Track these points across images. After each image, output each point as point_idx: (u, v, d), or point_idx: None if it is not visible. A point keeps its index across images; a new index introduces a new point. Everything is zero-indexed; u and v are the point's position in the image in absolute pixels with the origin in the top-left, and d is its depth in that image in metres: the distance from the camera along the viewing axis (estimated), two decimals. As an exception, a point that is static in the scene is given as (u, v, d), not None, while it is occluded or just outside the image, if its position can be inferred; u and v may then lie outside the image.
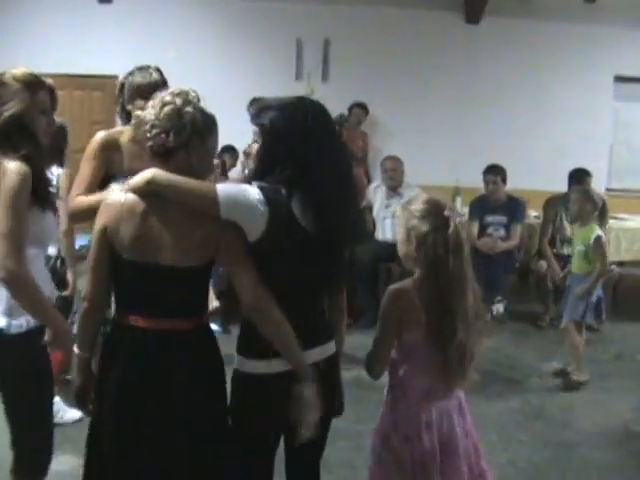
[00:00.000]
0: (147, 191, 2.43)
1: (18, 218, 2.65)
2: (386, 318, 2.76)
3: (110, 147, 3.63)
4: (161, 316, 2.48)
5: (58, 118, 4.75)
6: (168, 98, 2.52)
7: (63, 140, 4.94)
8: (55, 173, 4.70)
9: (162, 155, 2.50)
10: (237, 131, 5.79)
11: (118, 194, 2.50)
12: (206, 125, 2.55)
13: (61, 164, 4.86)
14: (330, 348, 2.67)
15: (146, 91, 3.53)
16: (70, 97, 9.02)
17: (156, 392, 2.46)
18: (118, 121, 4.01)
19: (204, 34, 9.66)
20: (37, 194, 2.74)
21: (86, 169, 3.57)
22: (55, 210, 2.92)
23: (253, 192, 2.43)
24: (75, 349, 2.65)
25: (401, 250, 2.79)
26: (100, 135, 3.68)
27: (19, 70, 2.88)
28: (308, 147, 2.49)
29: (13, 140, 2.73)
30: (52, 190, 3.03)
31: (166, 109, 2.49)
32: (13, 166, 2.67)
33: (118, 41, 9.48)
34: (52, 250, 4.45)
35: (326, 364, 2.65)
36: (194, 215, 2.42)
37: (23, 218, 2.66)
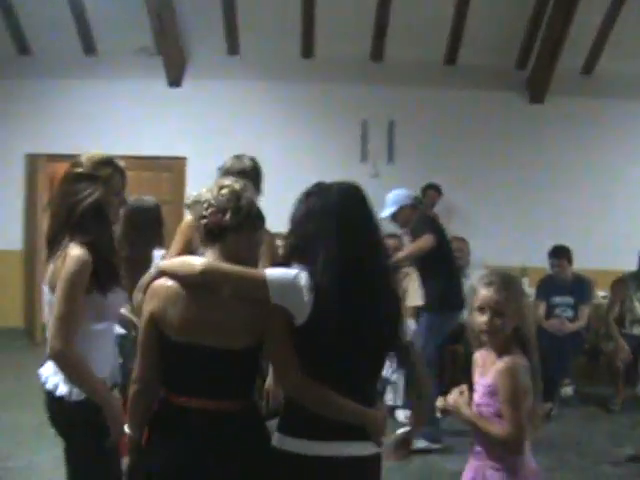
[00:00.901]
0: (200, 282, 2.56)
1: (71, 303, 2.88)
2: (520, 393, 2.92)
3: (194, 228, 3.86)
4: (208, 397, 2.59)
5: (151, 198, 5.05)
6: (227, 182, 2.72)
7: (159, 221, 5.12)
8: (157, 255, 4.88)
9: (214, 235, 2.66)
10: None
11: (164, 279, 2.65)
12: (259, 216, 2.76)
13: (161, 245, 5.02)
14: (373, 448, 2.66)
15: (235, 173, 3.85)
16: (139, 178, 9.43)
17: (204, 472, 2.57)
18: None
19: (270, 116, 10.08)
20: (99, 279, 2.97)
21: (175, 247, 3.85)
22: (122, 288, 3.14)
23: (301, 276, 2.55)
24: (126, 429, 2.77)
25: (489, 325, 3.00)
26: (189, 217, 3.95)
27: (93, 154, 3.15)
28: (338, 231, 2.61)
29: (85, 226, 2.99)
30: (118, 273, 3.20)
31: (224, 190, 2.68)
32: (74, 253, 2.91)
33: (186, 124, 10.04)
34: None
35: (365, 463, 2.65)
36: (240, 298, 2.56)
37: (76, 304, 2.89)
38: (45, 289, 3.08)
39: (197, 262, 2.59)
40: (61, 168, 11.33)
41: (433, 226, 6.26)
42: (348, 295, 2.54)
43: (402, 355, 2.82)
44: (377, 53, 9.96)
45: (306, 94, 10.07)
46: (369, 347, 2.63)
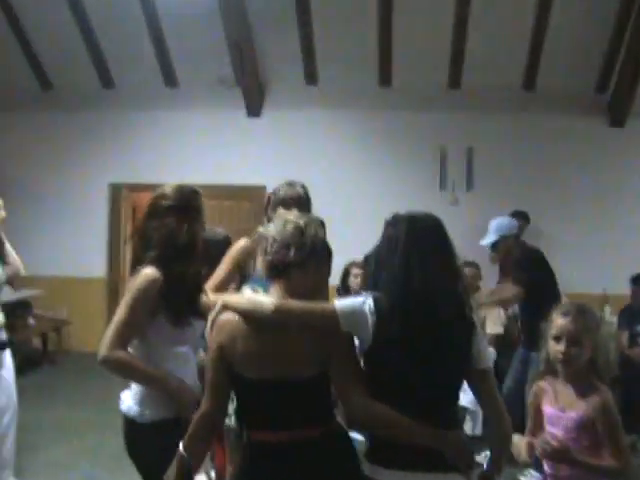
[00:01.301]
0: (273, 320, 2.60)
1: (128, 313, 3.02)
2: (620, 424, 3.03)
3: (246, 254, 3.98)
4: (285, 428, 2.62)
5: (222, 230, 5.16)
6: (292, 218, 2.77)
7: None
8: None
9: (279, 271, 2.70)
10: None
11: (230, 314, 2.69)
12: (324, 250, 2.79)
13: None
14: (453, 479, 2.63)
15: (289, 202, 3.98)
16: (220, 207, 9.64)
17: None
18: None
19: (349, 145, 10.24)
20: (170, 307, 3.12)
21: (223, 268, 3.93)
22: (201, 317, 3.20)
23: (368, 303, 2.62)
24: (180, 448, 2.80)
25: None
26: (241, 241, 4.05)
27: (180, 186, 3.30)
28: (406, 258, 2.68)
29: (166, 254, 3.13)
30: (196, 305, 3.30)
31: (289, 226, 2.72)
32: (145, 270, 3.07)
33: (266, 153, 10.32)
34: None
35: None
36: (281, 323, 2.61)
37: (133, 316, 3.03)
38: None
39: (266, 302, 2.63)
40: (143, 198, 11.63)
41: (532, 269, 5.98)
42: (411, 319, 2.62)
43: (476, 382, 2.78)
44: (454, 80, 10.07)
45: (384, 122, 10.21)
46: (437, 372, 2.65)
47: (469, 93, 10.04)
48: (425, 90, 10.06)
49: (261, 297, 2.68)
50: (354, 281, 6.82)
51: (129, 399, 3.20)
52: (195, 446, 2.78)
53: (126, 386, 3.36)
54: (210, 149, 10.44)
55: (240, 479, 2.79)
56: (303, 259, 2.67)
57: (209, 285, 3.76)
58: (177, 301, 3.14)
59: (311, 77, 10.22)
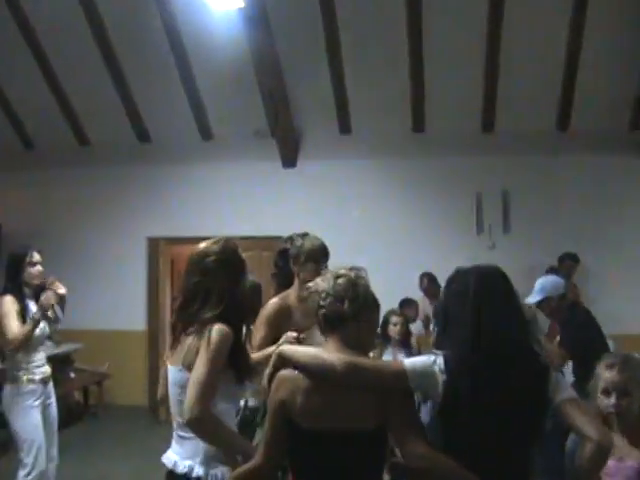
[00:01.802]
0: (342, 378, 2.62)
1: (212, 370, 3.05)
2: None
3: (282, 314, 4.05)
4: None
5: (251, 276, 5.22)
6: (342, 272, 2.81)
7: (258, 299, 5.26)
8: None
9: (333, 324, 2.76)
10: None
11: (290, 370, 2.74)
12: (374, 301, 2.84)
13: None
14: None
15: (318, 255, 4.03)
16: (259, 258, 9.70)
17: None
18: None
19: (384, 193, 10.43)
20: (236, 364, 3.20)
21: (258, 335, 3.97)
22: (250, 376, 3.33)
23: (436, 363, 2.67)
24: None
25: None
26: (273, 303, 4.09)
27: (217, 239, 3.38)
28: (479, 312, 2.71)
29: (228, 311, 3.21)
30: (249, 356, 3.43)
31: (340, 280, 2.77)
32: (219, 327, 3.12)
33: (302, 203, 10.51)
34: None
35: None
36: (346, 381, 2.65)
37: (215, 372, 3.06)
38: (171, 368, 3.30)
39: (335, 359, 2.65)
40: (181, 250, 11.71)
41: (579, 332, 5.83)
42: (481, 375, 2.64)
43: (566, 412, 2.68)
44: (488, 124, 10.23)
45: (419, 169, 10.40)
46: (510, 426, 2.66)
47: (503, 137, 10.18)
48: (459, 135, 10.20)
49: (323, 353, 2.72)
50: (393, 329, 6.92)
51: (187, 460, 3.20)
52: None
53: (166, 440, 3.37)
54: (246, 201, 10.68)
55: None
56: (357, 311, 2.72)
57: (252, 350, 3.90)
58: (241, 357, 3.24)
59: (345, 126, 10.42)
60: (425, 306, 9.27)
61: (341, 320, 2.72)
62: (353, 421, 2.61)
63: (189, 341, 3.20)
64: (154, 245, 11.24)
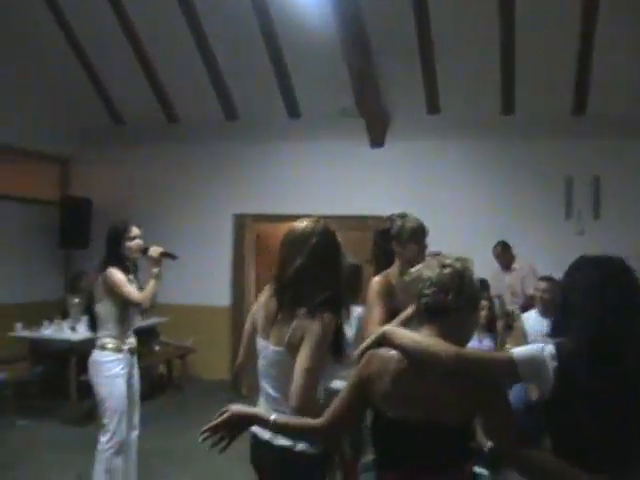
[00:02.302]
0: (449, 367, 2.58)
1: (319, 360, 3.15)
2: None
3: (388, 291, 4.10)
4: (420, 472, 2.63)
5: (352, 259, 5.26)
6: (449, 261, 2.76)
7: (358, 281, 5.28)
8: (355, 311, 5.08)
9: (434, 314, 2.71)
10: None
11: (386, 350, 2.71)
12: (479, 295, 2.82)
13: (358, 303, 5.19)
14: None
15: (418, 235, 4.06)
16: (346, 238, 9.66)
17: None
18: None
19: (472, 174, 10.53)
20: (337, 346, 3.28)
21: (375, 312, 4.01)
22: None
23: (545, 350, 2.62)
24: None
25: None
26: (378, 280, 4.13)
27: (319, 220, 3.43)
28: (605, 302, 2.65)
29: (335, 293, 3.27)
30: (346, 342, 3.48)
31: (447, 270, 2.72)
32: (325, 315, 3.19)
33: (389, 183, 10.61)
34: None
35: None
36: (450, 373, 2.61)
37: (322, 361, 3.17)
38: (266, 344, 3.38)
39: (441, 347, 2.61)
40: (266, 228, 11.82)
41: None
42: (598, 366, 2.58)
43: None
44: (579, 107, 10.16)
45: (508, 151, 10.39)
46: (620, 423, 2.58)
47: (595, 120, 10.06)
48: (549, 117, 10.12)
49: (430, 340, 2.67)
50: (481, 314, 6.81)
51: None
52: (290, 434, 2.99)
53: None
54: (333, 180, 10.86)
55: None
56: (460, 304, 2.68)
57: (371, 327, 4.02)
58: (340, 339, 3.30)
59: (433, 106, 10.36)
60: (499, 281, 9.25)
61: (443, 311, 2.68)
62: (440, 414, 2.57)
63: (295, 324, 3.24)
64: (240, 222, 11.46)
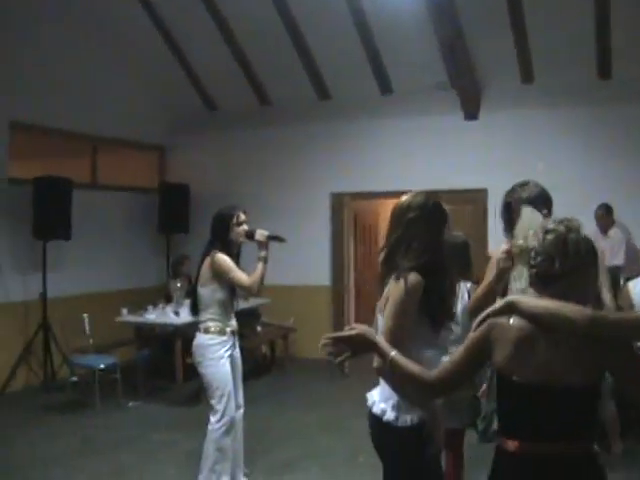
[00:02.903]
0: (587, 329, 2.53)
1: (399, 320, 3.25)
2: None
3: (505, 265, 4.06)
4: (546, 440, 2.59)
5: (461, 234, 5.26)
6: (551, 226, 2.68)
7: (467, 256, 5.28)
8: (463, 287, 5.07)
9: (545, 282, 2.67)
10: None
11: (506, 319, 2.66)
12: (589, 254, 2.69)
13: (468, 279, 5.18)
14: None
15: (534, 202, 3.99)
16: (442, 211, 9.65)
17: None
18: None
19: (570, 142, 10.45)
20: (430, 311, 3.33)
21: (487, 276, 4.01)
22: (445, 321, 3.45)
23: None
24: None
25: None
26: (502, 247, 4.12)
27: (420, 194, 3.52)
28: None
29: (424, 263, 3.33)
30: (451, 307, 3.55)
31: (549, 236, 2.65)
32: (410, 276, 3.29)
33: (485, 155, 10.67)
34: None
35: None
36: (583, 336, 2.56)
37: (403, 321, 3.25)
38: (379, 317, 3.50)
39: (573, 312, 2.55)
40: (364, 205, 11.88)
41: None
42: None
43: None
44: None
45: (605, 117, 10.25)
46: None
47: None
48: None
49: (559, 305, 2.59)
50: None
51: (382, 403, 3.41)
52: (399, 376, 2.94)
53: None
54: (428, 155, 10.99)
55: None
56: (568, 269, 2.61)
57: (478, 290, 4.12)
58: (435, 306, 3.36)
59: (527, 75, 10.24)
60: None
61: (552, 279, 2.63)
62: (567, 377, 2.54)
63: (386, 290, 3.40)
64: (338, 200, 11.58)
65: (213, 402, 5.72)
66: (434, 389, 2.83)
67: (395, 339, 3.13)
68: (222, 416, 5.69)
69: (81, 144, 11.35)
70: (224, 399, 5.69)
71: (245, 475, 6.16)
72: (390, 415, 3.33)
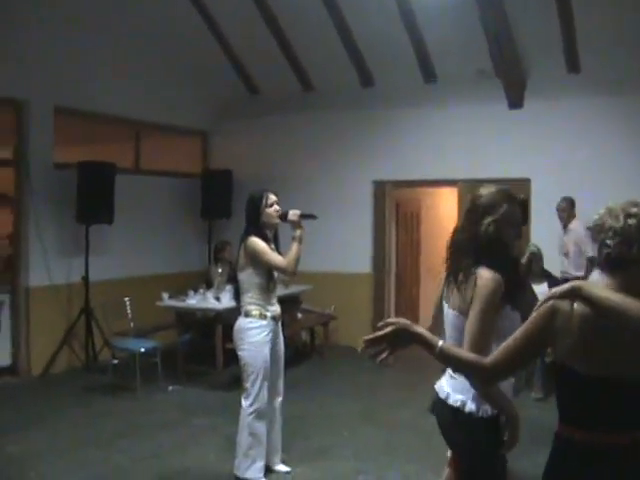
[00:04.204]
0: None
1: (485, 321, 3.25)
2: None
3: None
4: (598, 430, 2.58)
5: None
6: (635, 210, 2.60)
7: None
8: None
9: (616, 265, 2.62)
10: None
11: (569, 304, 2.60)
12: None
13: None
14: None
15: None
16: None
17: None
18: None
19: (615, 133, 10.29)
20: (510, 296, 3.35)
21: None
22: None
23: None
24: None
25: None
26: None
27: (493, 187, 3.53)
28: None
29: (489, 251, 3.37)
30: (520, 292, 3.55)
31: (631, 220, 2.58)
32: (486, 274, 3.30)
33: (529, 144, 10.64)
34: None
35: None
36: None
37: (489, 322, 3.25)
38: (449, 310, 3.52)
39: (634, 303, 2.51)
40: (406, 193, 11.89)
41: None
42: None
43: None
44: None
45: None
46: None
47: None
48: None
49: (626, 298, 2.53)
50: None
51: (460, 394, 3.43)
52: (453, 366, 2.99)
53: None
54: (471, 144, 10.98)
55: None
56: None
57: None
58: (512, 288, 3.36)
59: (573, 65, 10.23)
60: None
61: (622, 263, 2.59)
62: (631, 370, 2.52)
63: (463, 287, 3.38)
64: (380, 188, 11.64)
65: (247, 386, 5.77)
66: (489, 375, 2.78)
67: (482, 342, 3.18)
68: (254, 401, 5.74)
69: (125, 129, 11.54)
70: (258, 384, 5.72)
71: (282, 461, 6.25)
72: (471, 406, 3.36)
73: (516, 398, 3.62)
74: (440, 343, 2.73)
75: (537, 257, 8.22)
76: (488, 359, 2.74)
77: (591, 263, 8.55)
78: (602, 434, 2.56)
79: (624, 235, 2.56)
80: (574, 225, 9.31)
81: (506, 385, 3.43)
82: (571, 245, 9.25)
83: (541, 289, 7.37)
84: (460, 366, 2.86)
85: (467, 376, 3.03)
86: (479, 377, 2.89)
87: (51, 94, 9.71)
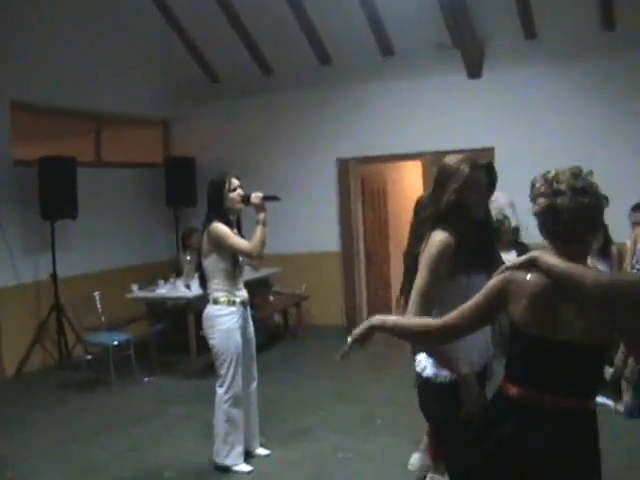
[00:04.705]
0: (599, 294, 2.57)
1: (428, 278, 3.33)
2: None
3: None
4: (550, 392, 2.66)
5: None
6: (580, 184, 2.71)
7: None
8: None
9: (567, 239, 2.68)
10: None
11: (524, 274, 2.71)
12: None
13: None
14: None
15: None
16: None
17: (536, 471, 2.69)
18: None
19: (578, 96, 10.26)
20: (462, 261, 3.39)
21: None
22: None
23: None
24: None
25: None
26: None
27: (458, 156, 3.65)
28: None
29: (447, 216, 3.44)
30: (481, 258, 3.52)
31: (581, 198, 2.67)
32: (437, 235, 3.39)
33: (490, 114, 10.69)
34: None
35: None
36: (599, 297, 2.60)
37: (433, 280, 3.33)
38: None
39: (588, 274, 2.62)
40: (371, 169, 11.88)
41: None
42: None
43: None
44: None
45: (610, 69, 10.09)
46: None
47: None
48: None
49: (579, 267, 2.65)
50: None
51: (424, 361, 3.53)
52: (408, 338, 3.15)
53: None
54: (432, 115, 11.01)
55: (481, 428, 2.89)
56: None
57: None
58: (466, 255, 3.39)
59: (529, 31, 10.20)
60: None
61: (566, 238, 2.67)
62: (578, 335, 2.60)
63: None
64: (344, 166, 11.58)
65: (221, 373, 5.75)
66: (439, 334, 2.90)
67: (421, 300, 3.29)
68: (229, 388, 5.72)
69: (84, 122, 11.40)
70: (231, 371, 5.70)
71: (261, 445, 6.24)
72: (429, 372, 3.47)
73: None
74: (392, 319, 2.94)
75: (504, 227, 8.25)
76: (440, 320, 2.87)
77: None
78: (544, 394, 2.66)
79: (576, 212, 2.63)
80: (495, 196, 9.23)
81: (480, 343, 3.49)
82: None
83: (509, 257, 7.40)
84: (412, 334, 3.01)
85: (420, 341, 3.09)
86: (430, 337, 2.98)
87: (6, 89, 9.53)
